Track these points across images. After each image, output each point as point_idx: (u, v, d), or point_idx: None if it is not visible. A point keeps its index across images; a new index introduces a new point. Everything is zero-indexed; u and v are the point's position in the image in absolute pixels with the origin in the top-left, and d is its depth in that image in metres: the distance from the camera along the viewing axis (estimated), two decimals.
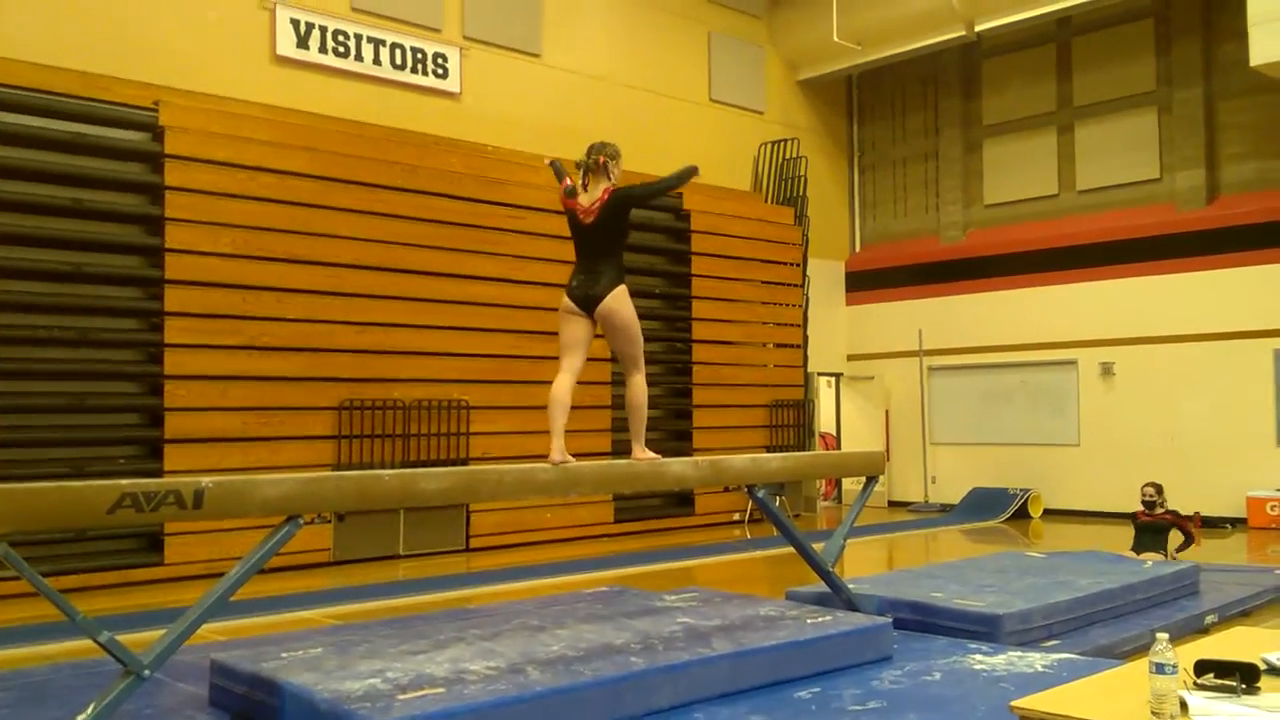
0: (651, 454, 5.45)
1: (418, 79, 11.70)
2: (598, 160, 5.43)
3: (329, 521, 9.93)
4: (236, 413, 9.63)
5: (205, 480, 3.74)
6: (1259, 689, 3.01)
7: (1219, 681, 3.04)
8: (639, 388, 5.45)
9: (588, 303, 5.40)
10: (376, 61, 11.34)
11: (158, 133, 9.45)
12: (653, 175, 14.30)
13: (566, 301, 5.48)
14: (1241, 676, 3.03)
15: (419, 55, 11.69)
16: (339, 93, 11.06)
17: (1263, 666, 3.19)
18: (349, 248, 10.43)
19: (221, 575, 3.98)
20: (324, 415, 10.20)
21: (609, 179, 5.44)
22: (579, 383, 11.12)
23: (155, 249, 9.35)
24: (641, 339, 5.49)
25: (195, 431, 9.39)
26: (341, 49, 11.08)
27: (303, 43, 10.81)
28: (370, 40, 11.29)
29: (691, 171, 5.61)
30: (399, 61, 11.52)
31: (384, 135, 11.11)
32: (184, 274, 9.41)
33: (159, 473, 8.93)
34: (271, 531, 4.00)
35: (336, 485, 4.30)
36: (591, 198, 5.42)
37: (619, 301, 5.34)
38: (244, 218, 9.79)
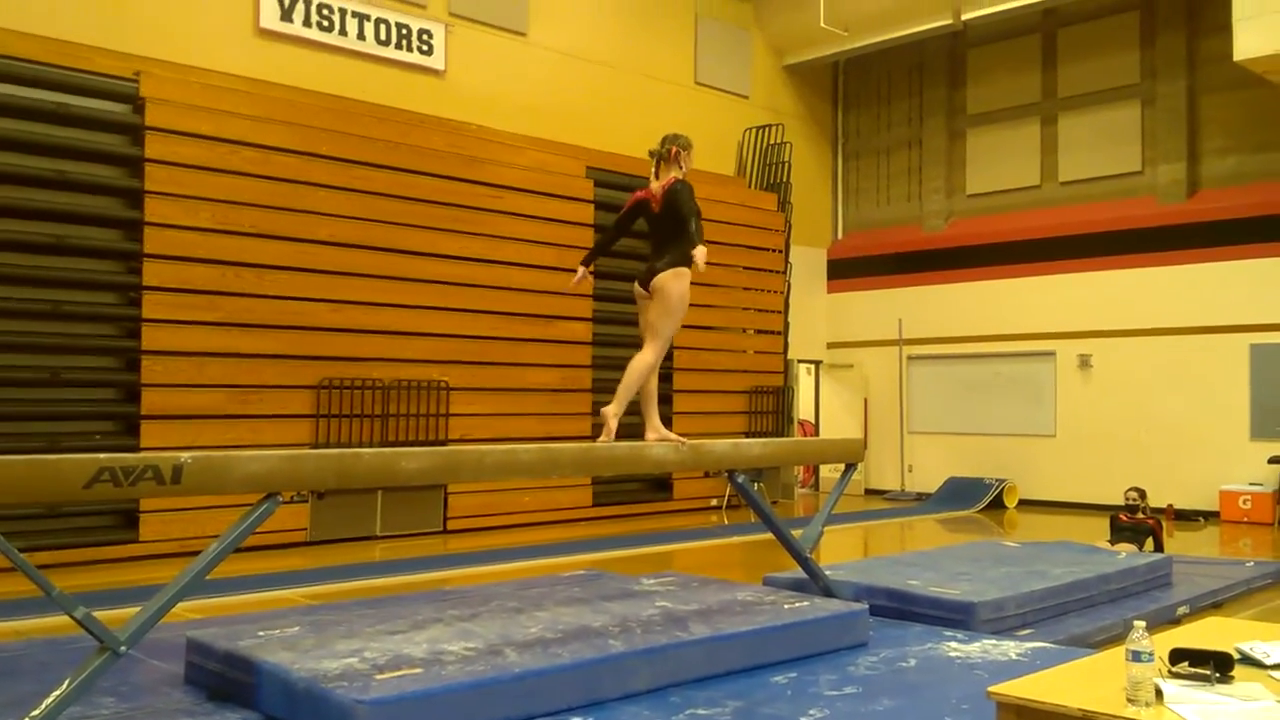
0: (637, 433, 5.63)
1: (402, 55, 11.60)
2: (670, 150, 5.74)
3: (307, 500, 9.90)
4: (214, 390, 9.57)
5: (184, 455, 3.71)
6: (1233, 678, 3.04)
7: (1194, 670, 3.06)
8: (641, 360, 5.65)
9: (648, 279, 5.67)
10: (361, 36, 11.25)
11: (138, 104, 9.35)
12: (637, 156, 14.24)
13: (636, 287, 5.77)
14: (1216, 665, 3.06)
15: (404, 31, 11.60)
16: (322, 67, 10.97)
17: (1236, 656, 3.22)
18: (330, 225, 10.36)
19: (197, 554, 3.95)
20: (302, 394, 10.15)
21: (680, 169, 5.73)
22: (563, 366, 11.25)
23: (134, 222, 9.25)
24: (678, 321, 5.70)
25: (172, 408, 9.32)
26: (326, 23, 10.98)
27: (286, 15, 10.70)
28: (355, 15, 11.19)
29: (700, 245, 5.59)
30: (383, 37, 11.43)
31: (367, 111, 11.03)
32: (163, 248, 9.32)
33: (135, 448, 8.86)
34: (251, 508, 3.97)
35: (317, 463, 4.28)
36: (661, 185, 5.70)
37: (675, 278, 5.60)
38: (225, 192, 9.70)
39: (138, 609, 3.85)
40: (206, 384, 9.52)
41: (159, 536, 9.05)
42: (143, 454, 4.27)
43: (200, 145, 9.58)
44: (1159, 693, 2.83)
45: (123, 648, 3.66)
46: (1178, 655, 3.13)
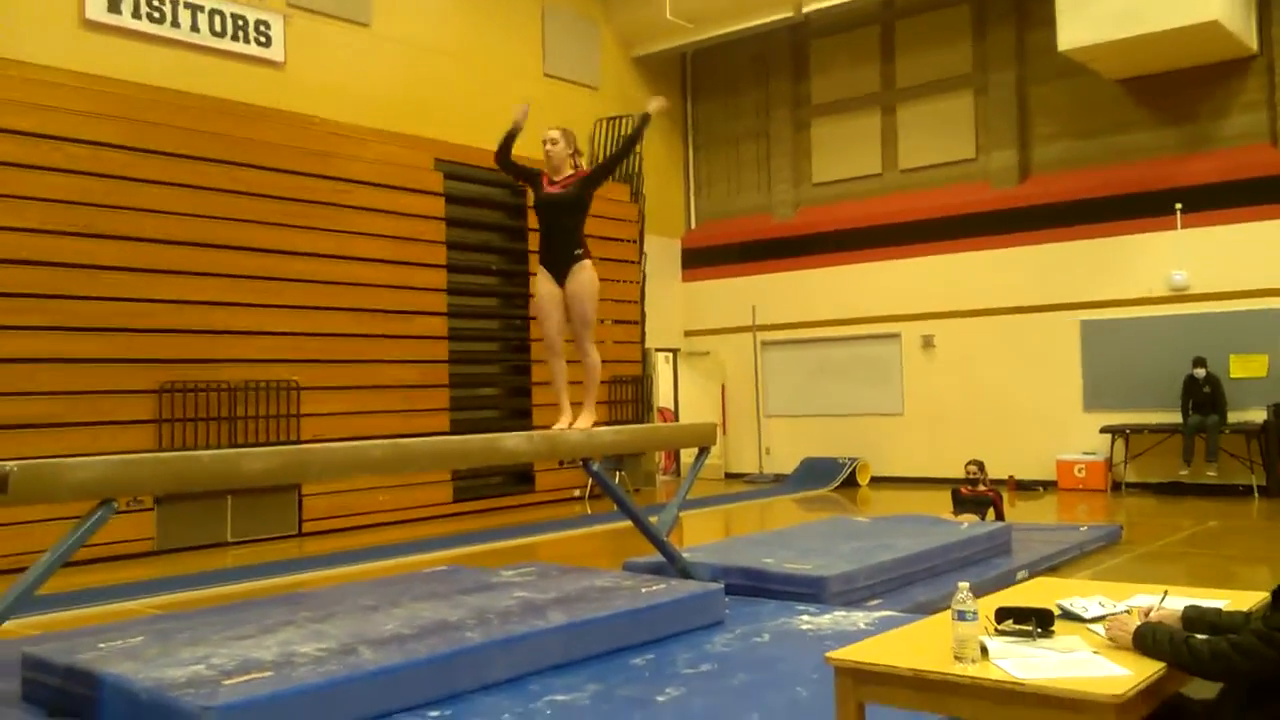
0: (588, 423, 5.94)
1: (239, 47, 11.25)
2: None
3: (149, 508, 9.54)
4: (47, 397, 9.13)
5: (10, 464, 3.56)
6: (1053, 632, 3.21)
7: (1017, 627, 3.23)
8: (596, 359, 6.26)
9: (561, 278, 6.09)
10: (195, 28, 10.86)
11: None
12: (487, 149, 14.06)
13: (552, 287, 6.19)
14: (1037, 621, 3.23)
15: (240, 22, 11.25)
16: (154, 60, 10.55)
17: (1057, 612, 3.41)
18: (166, 222, 10.00)
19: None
20: (143, 399, 9.78)
21: (573, 165, 6.19)
22: (418, 362, 10.56)
23: None
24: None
25: (1, 418, 8.86)
26: (156, 14, 10.56)
27: (114, 7, 10.25)
28: (187, 6, 10.79)
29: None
30: (218, 28, 11.05)
31: (203, 105, 10.65)
32: None
33: None
34: (84, 517, 3.83)
35: (153, 467, 4.17)
36: (563, 180, 6.08)
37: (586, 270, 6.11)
38: (51, 191, 9.26)
39: None
40: (38, 391, 9.08)
41: None
42: None
43: (23, 142, 9.12)
44: (984, 649, 2.98)
45: None
46: (1002, 614, 3.29)
